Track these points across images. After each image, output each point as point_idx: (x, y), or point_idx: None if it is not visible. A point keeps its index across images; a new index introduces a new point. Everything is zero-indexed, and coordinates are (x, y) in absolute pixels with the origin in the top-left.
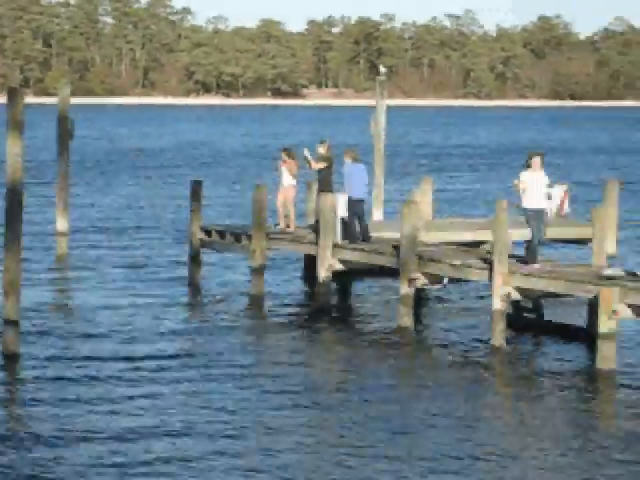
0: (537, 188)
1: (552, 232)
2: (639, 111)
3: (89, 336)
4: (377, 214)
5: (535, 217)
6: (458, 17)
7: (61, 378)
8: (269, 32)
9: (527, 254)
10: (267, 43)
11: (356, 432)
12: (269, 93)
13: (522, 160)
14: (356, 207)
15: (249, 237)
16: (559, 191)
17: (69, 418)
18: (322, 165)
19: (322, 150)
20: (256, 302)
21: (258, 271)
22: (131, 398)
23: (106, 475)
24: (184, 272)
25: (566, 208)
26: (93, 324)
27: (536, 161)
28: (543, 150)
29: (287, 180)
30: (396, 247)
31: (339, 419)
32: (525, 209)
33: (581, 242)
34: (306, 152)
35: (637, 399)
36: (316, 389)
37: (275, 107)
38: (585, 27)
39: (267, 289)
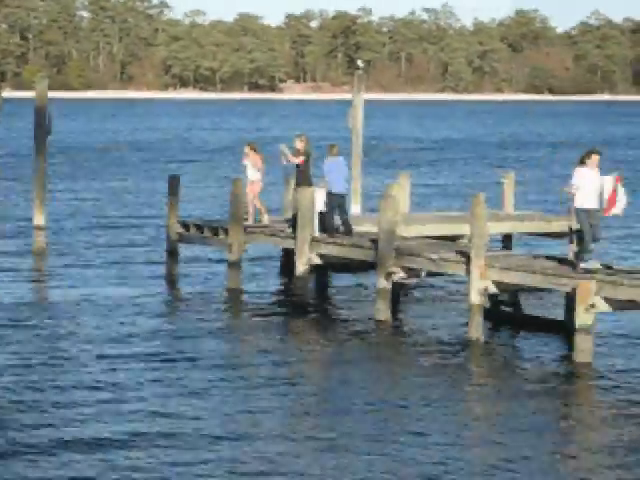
0: (592, 187)
1: (529, 226)
2: (616, 105)
3: (64, 334)
4: (355, 208)
5: (588, 217)
6: (436, 11)
7: (35, 380)
8: (247, 26)
9: (576, 256)
10: (245, 37)
11: (335, 424)
12: (246, 87)
13: (500, 154)
14: (337, 201)
15: (226, 231)
16: (609, 183)
17: (44, 423)
18: (300, 159)
19: (300, 144)
20: (233, 296)
21: (235, 265)
22: (107, 402)
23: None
24: (162, 267)
25: (618, 206)
26: (69, 321)
27: (595, 158)
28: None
29: (252, 174)
30: (374, 241)
31: (317, 413)
32: (578, 209)
33: (558, 236)
34: (283, 147)
35: (613, 391)
36: (294, 383)
37: (252, 101)
38: (562, 21)
39: (244, 283)
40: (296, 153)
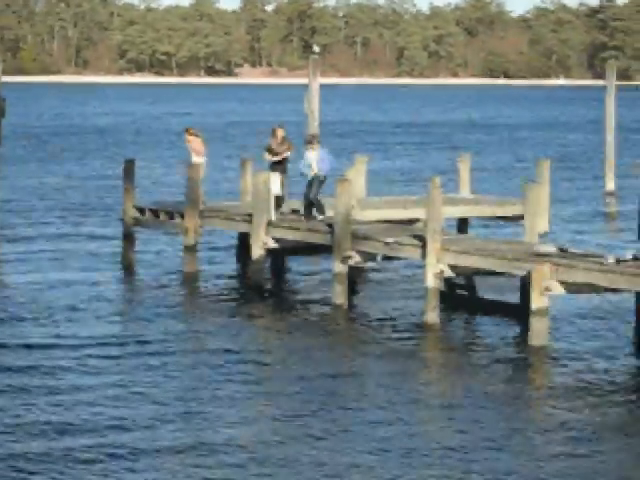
0: None
1: (485, 210)
2: (570, 90)
3: (19, 319)
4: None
5: None
6: None
7: None
8: (202, 10)
9: None
10: (200, 21)
11: (290, 409)
12: (203, 72)
13: (458, 137)
14: (322, 183)
15: (182, 215)
16: None
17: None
18: (289, 153)
19: (282, 133)
20: (189, 280)
21: (191, 249)
22: (64, 388)
23: (44, 472)
24: (118, 251)
25: None
26: (23, 306)
27: None
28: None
29: (193, 158)
30: (330, 225)
31: (274, 398)
32: None
33: (513, 219)
34: (267, 156)
35: (568, 375)
36: (250, 368)
37: (209, 86)
38: (517, 6)
39: (200, 267)
40: (281, 145)
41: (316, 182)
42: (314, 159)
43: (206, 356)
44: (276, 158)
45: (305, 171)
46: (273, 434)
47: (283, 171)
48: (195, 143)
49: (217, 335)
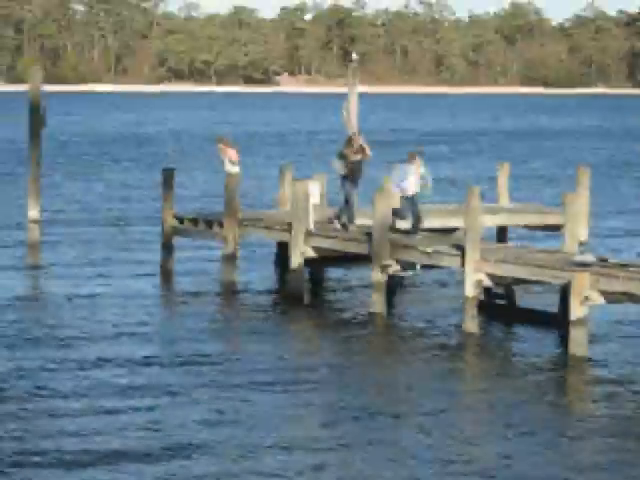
0: None
1: (524, 219)
2: (610, 98)
3: (61, 329)
4: None
5: None
6: (430, 4)
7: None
8: (241, 19)
9: None
10: (239, 30)
11: (336, 419)
12: (241, 80)
13: (504, 146)
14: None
15: (221, 224)
16: None
17: (35, 433)
18: (359, 156)
19: (360, 141)
20: (228, 289)
21: (230, 258)
22: (103, 408)
23: None
24: (157, 260)
25: None
26: (63, 318)
27: None
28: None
29: (228, 168)
30: (368, 234)
31: (320, 407)
32: None
33: (553, 229)
34: (337, 163)
35: (608, 385)
36: (291, 376)
37: (247, 94)
38: (557, 13)
39: (239, 277)
40: (357, 150)
41: (415, 200)
42: (415, 174)
43: (248, 368)
44: (345, 171)
45: (406, 187)
46: (319, 441)
47: (355, 181)
48: (230, 152)
49: (255, 344)
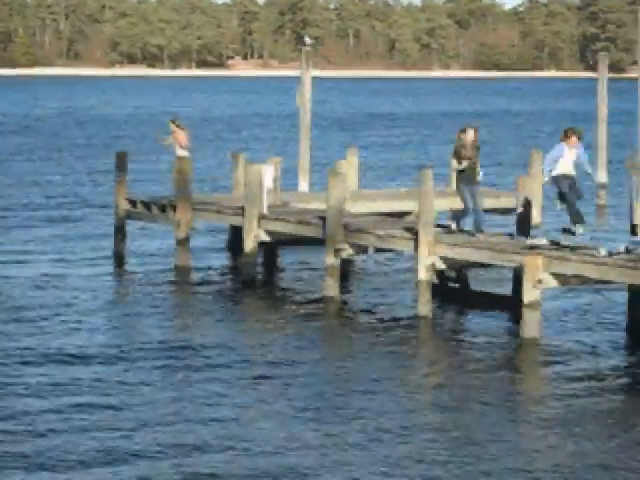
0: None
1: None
2: (561, 81)
3: (9, 313)
4: (303, 185)
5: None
6: None
7: None
8: (194, 3)
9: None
10: (192, 14)
11: (286, 399)
12: (194, 64)
13: (449, 129)
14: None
15: (174, 208)
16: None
17: None
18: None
19: (473, 136)
20: (181, 274)
21: (183, 242)
22: (56, 380)
23: None
24: (110, 244)
25: None
26: (10, 303)
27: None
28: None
29: (178, 151)
30: (322, 218)
31: (269, 391)
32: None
33: (507, 212)
34: (454, 162)
35: (560, 366)
36: (242, 363)
37: (201, 78)
38: None
39: (192, 261)
40: (469, 147)
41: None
42: (572, 157)
43: (197, 351)
44: (463, 165)
45: (564, 170)
46: (266, 429)
47: (472, 182)
48: (180, 136)
49: (209, 329)
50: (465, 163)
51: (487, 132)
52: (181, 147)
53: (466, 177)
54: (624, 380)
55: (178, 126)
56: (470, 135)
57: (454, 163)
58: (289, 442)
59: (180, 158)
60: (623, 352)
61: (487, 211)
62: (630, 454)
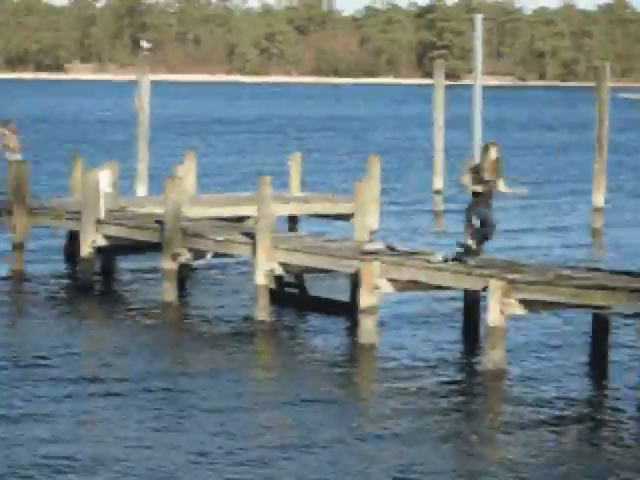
0: None
1: (315, 208)
2: (399, 88)
3: None
4: (141, 189)
5: None
6: None
7: None
8: (32, 6)
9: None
10: (29, 17)
11: (117, 407)
12: (32, 67)
13: (290, 135)
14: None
15: (10, 212)
16: None
17: None
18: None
19: (496, 154)
20: (16, 280)
21: (19, 247)
22: None
23: None
24: None
25: None
26: None
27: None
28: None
29: (9, 156)
30: (160, 222)
31: (102, 399)
32: None
33: (345, 217)
34: (466, 179)
35: (395, 371)
36: (77, 369)
37: (38, 81)
38: (348, 5)
39: (28, 266)
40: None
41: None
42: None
43: (30, 357)
44: (478, 189)
45: None
46: (101, 435)
47: (488, 206)
48: (11, 140)
49: (44, 335)
50: (480, 188)
51: (324, 137)
52: (12, 150)
53: (482, 200)
54: (453, 377)
55: (10, 129)
56: (492, 155)
57: (467, 180)
58: (116, 461)
59: (13, 162)
60: (458, 353)
61: (324, 217)
62: (462, 460)
